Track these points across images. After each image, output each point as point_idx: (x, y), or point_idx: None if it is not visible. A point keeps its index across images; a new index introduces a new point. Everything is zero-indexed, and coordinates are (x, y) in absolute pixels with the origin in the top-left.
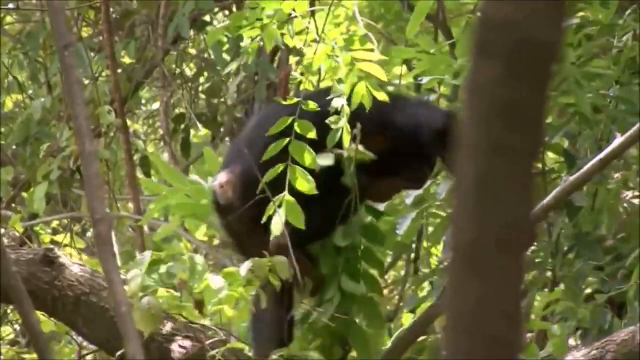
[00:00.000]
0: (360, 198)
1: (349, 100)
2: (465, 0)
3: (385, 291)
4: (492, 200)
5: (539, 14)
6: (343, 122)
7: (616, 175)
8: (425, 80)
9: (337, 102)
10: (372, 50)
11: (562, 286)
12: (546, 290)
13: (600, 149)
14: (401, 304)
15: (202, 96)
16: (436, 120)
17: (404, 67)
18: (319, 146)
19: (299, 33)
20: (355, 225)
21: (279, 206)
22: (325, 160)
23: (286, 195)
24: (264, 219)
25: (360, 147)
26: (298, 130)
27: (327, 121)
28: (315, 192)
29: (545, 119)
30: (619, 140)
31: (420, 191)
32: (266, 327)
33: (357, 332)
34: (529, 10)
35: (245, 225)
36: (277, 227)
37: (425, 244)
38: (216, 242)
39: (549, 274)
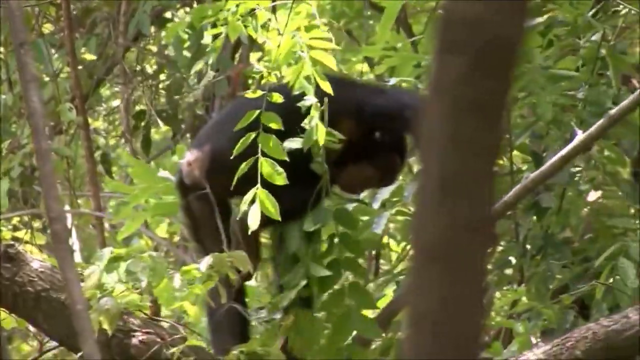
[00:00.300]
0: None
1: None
2: None
3: None
4: (455, 197)
5: (503, 13)
6: (316, 121)
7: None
8: (392, 81)
9: (309, 101)
10: (329, 39)
11: (527, 286)
12: (512, 287)
13: None
14: None
15: (163, 93)
16: (418, 100)
17: (366, 65)
18: (290, 136)
19: (262, 26)
20: (325, 211)
21: (253, 200)
22: (294, 144)
23: (260, 188)
24: (240, 213)
25: (329, 129)
26: (264, 123)
27: (303, 124)
28: (286, 182)
29: (506, 116)
30: (580, 137)
31: (387, 194)
32: (224, 323)
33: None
34: (494, 10)
35: (208, 206)
36: (255, 219)
37: (385, 240)
38: (177, 239)
39: (513, 272)
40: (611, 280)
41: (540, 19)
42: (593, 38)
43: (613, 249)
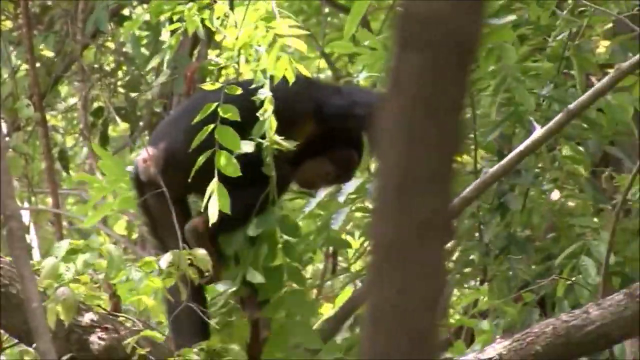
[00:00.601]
0: (283, 186)
1: (272, 77)
2: None
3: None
4: (413, 194)
5: (460, 10)
6: (269, 114)
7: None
8: (362, 76)
9: (263, 93)
10: (296, 26)
11: (489, 285)
12: (475, 286)
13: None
14: (320, 297)
15: (121, 90)
16: (374, 99)
17: (323, 61)
18: (246, 133)
19: (219, 18)
20: (270, 217)
21: (211, 193)
22: (246, 147)
23: (216, 182)
24: (202, 207)
25: (280, 138)
26: (222, 115)
27: (258, 114)
28: (239, 174)
29: (464, 112)
30: (539, 132)
31: (352, 189)
32: (184, 320)
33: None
34: (451, 7)
35: (165, 203)
36: (213, 213)
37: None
38: (135, 236)
39: (476, 271)
40: (573, 278)
41: (510, 17)
42: (559, 37)
43: (574, 247)
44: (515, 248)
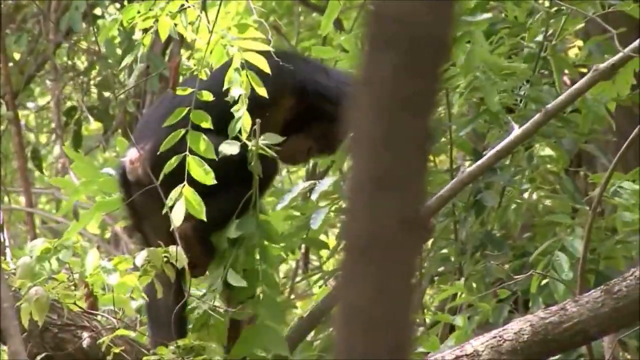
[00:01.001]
0: (267, 181)
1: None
2: None
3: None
4: (386, 192)
5: (431, 9)
6: (243, 111)
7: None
8: None
9: (236, 92)
10: (261, 40)
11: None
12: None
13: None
14: (292, 296)
15: (94, 89)
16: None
17: None
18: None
19: (191, 23)
20: (251, 220)
21: (179, 198)
22: (230, 149)
23: (186, 187)
24: (165, 207)
25: (263, 143)
26: (194, 121)
27: (232, 110)
28: (213, 182)
29: (436, 110)
30: (516, 132)
31: (326, 187)
32: (162, 316)
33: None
34: (422, 7)
35: (150, 204)
36: (178, 217)
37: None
38: (108, 235)
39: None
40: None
41: (485, 15)
42: (537, 38)
43: (549, 243)
44: (491, 246)
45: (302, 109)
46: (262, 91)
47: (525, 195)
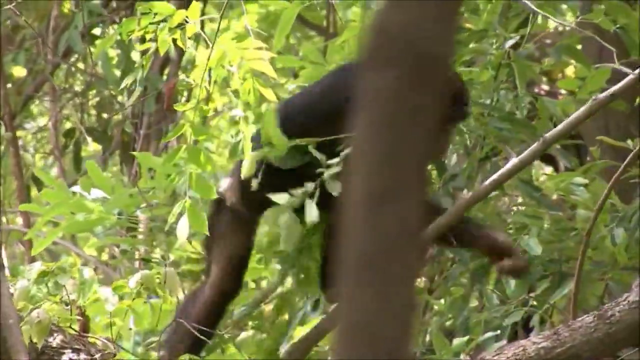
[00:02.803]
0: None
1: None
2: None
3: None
4: (387, 207)
5: (432, 28)
6: (244, 135)
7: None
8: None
9: (236, 113)
10: (261, 48)
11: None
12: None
13: (470, 155)
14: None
15: (93, 111)
16: None
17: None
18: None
19: (191, 39)
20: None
21: (181, 213)
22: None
23: (188, 201)
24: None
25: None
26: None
27: (231, 134)
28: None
29: (436, 129)
30: (514, 161)
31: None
32: (182, 331)
33: None
34: (423, 25)
35: (236, 223)
36: (182, 232)
37: None
38: (105, 256)
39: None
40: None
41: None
42: (507, 46)
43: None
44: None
45: None
46: (272, 96)
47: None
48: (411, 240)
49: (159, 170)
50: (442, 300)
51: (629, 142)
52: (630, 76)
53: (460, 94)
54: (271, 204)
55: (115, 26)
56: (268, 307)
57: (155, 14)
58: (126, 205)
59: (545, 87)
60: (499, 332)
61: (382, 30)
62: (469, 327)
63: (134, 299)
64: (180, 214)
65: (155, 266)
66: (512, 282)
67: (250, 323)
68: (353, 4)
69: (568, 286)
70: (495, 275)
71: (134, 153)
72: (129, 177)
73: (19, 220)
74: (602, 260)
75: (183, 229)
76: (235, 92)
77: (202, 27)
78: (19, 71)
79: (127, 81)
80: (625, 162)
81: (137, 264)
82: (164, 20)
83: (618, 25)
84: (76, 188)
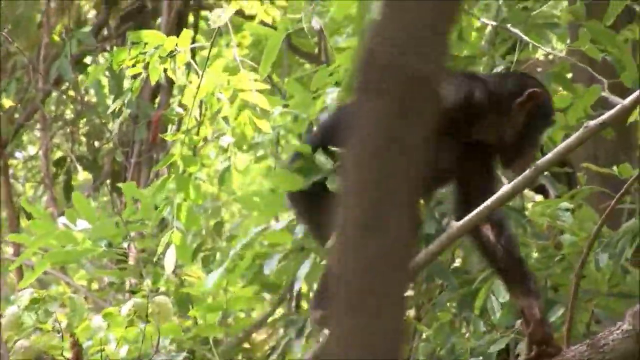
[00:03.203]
0: None
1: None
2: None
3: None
4: (375, 232)
5: (422, 54)
6: (228, 164)
7: None
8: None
9: (226, 140)
10: (254, 80)
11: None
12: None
13: None
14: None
15: (83, 139)
16: None
17: None
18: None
19: (181, 68)
20: None
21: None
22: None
23: (175, 232)
24: None
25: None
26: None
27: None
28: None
29: (428, 153)
30: (506, 188)
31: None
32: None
33: None
34: (413, 51)
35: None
36: (169, 265)
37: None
38: (95, 286)
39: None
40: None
41: None
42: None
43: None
44: (437, 275)
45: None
46: (266, 127)
47: None
48: (398, 270)
49: (145, 201)
50: (430, 327)
51: (614, 168)
52: (620, 105)
53: (543, 103)
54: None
55: (106, 54)
56: (259, 337)
57: (146, 43)
58: (112, 235)
59: None
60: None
61: (372, 58)
62: (456, 354)
63: (126, 327)
64: (168, 245)
65: (143, 297)
66: (497, 309)
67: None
68: (343, 31)
69: (556, 313)
70: (482, 303)
71: (119, 185)
72: (115, 206)
73: (10, 249)
74: (590, 288)
75: (170, 259)
76: (225, 119)
77: (193, 56)
78: (9, 102)
79: (117, 104)
80: (621, 192)
81: (127, 295)
82: (156, 48)
83: (605, 54)
84: (62, 220)
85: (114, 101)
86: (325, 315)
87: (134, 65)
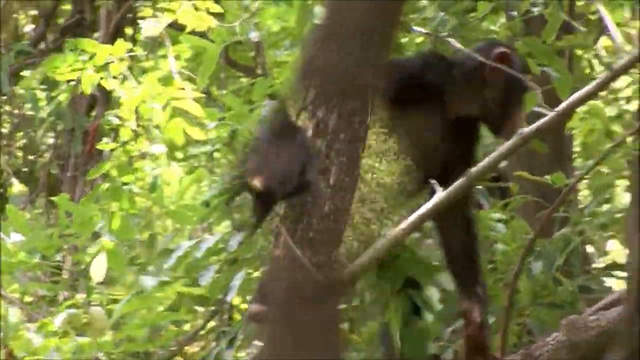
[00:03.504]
0: None
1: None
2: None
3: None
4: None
5: (359, 63)
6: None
7: None
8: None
9: (157, 149)
10: (183, 89)
11: None
12: None
13: None
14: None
15: (20, 152)
16: None
17: None
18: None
19: (116, 77)
20: None
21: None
22: None
23: (105, 241)
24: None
25: None
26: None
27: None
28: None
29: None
30: (439, 195)
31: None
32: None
33: None
34: (352, 59)
35: None
36: (98, 273)
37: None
38: (29, 299)
39: None
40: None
41: None
42: None
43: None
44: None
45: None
46: (199, 135)
47: None
48: (334, 284)
49: (78, 214)
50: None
51: (547, 177)
52: (554, 112)
53: (514, 61)
54: None
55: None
56: (191, 350)
57: (82, 50)
58: (45, 248)
59: None
60: None
61: (312, 67)
62: None
63: (60, 337)
64: (98, 253)
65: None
66: (429, 316)
67: None
68: (281, 44)
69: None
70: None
71: (52, 198)
72: (49, 219)
73: None
74: (521, 298)
75: (99, 268)
76: (157, 127)
77: (131, 67)
78: None
79: (48, 111)
80: (556, 203)
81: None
82: (90, 58)
83: (543, 69)
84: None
85: (48, 113)
86: (262, 312)
87: (69, 72)
